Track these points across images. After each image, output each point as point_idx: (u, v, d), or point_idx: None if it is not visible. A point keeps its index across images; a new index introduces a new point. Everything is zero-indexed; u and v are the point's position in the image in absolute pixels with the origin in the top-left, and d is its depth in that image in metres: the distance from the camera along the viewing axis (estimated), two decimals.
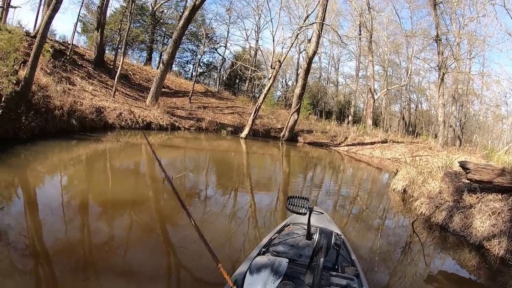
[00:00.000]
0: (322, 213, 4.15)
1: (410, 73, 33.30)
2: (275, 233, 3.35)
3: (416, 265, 5.32)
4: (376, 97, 32.16)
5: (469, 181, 7.64)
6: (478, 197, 7.39)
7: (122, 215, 5.52)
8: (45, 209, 5.21)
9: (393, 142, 23.78)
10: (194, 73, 34.19)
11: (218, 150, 15.51)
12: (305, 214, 3.08)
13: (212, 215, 6.19)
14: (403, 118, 44.69)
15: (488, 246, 6.14)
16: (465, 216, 6.98)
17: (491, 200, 7.12)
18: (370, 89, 31.87)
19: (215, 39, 38.12)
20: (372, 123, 31.03)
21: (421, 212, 8.09)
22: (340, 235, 3.48)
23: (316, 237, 2.27)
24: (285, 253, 2.75)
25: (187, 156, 12.73)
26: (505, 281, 4.95)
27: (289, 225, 3.60)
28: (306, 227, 3.12)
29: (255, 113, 21.45)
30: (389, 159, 20.93)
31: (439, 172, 9.62)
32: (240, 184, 9.22)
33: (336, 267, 2.52)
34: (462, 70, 31.34)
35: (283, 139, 23.24)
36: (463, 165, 7.71)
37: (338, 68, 46.74)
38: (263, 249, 2.88)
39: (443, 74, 25.47)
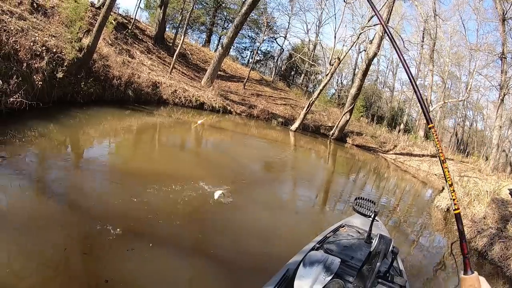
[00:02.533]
0: (378, 221, 4.20)
1: (470, 88, 31.96)
2: (330, 232, 3.44)
3: (446, 286, 5.41)
4: (431, 108, 31.31)
5: None
6: None
7: (163, 187, 5.70)
8: (89, 171, 5.68)
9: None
10: (251, 60, 34.49)
11: (266, 139, 15.72)
12: (370, 216, 3.19)
13: (253, 202, 6.43)
14: (456, 135, 43.21)
15: None
16: (506, 247, 6.96)
17: None
18: (426, 99, 30.98)
19: (275, 28, 38.06)
20: (424, 135, 30.25)
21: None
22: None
23: (375, 241, 2.32)
24: (338, 252, 2.84)
25: (234, 140, 13.01)
26: None
27: (344, 226, 3.67)
28: (360, 230, 3.30)
29: (308, 107, 21.54)
30: (435, 174, 20.47)
31: (486, 196, 9.47)
32: (286, 177, 9.38)
33: (388, 275, 2.54)
34: None
35: (332, 137, 23.10)
36: None
37: (396, 73, 45.44)
38: (317, 245, 2.97)
39: (504, 95, 24.31)
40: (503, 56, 23.96)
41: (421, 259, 6.33)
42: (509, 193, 7.75)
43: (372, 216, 3.18)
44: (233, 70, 29.14)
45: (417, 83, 30.76)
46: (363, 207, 3.31)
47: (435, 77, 37.06)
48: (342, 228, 3.59)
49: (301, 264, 2.28)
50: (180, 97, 16.50)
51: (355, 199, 3.36)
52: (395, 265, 3.02)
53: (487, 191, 9.81)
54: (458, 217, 1.57)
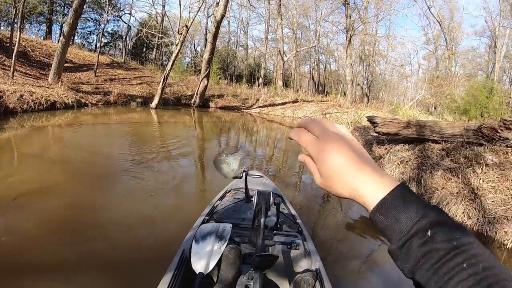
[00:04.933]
0: (262, 176, 4.26)
1: (319, 35, 34.10)
2: (217, 200, 3.37)
3: (335, 215, 5.60)
4: (285, 59, 32.66)
5: (377, 134, 8.02)
6: (386, 148, 7.83)
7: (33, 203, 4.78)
8: None
9: (304, 101, 24.51)
10: (98, 44, 31.78)
11: (129, 123, 14.74)
12: (241, 177, 3.09)
13: (138, 190, 5.82)
14: (313, 78, 46.20)
15: None
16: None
17: (398, 150, 7.59)
18: (279, 51, 32.15)
19: (119, 6, 35.45)
20: (283, 84, 31.62)
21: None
22: (280, 195, 3.53)
23: (254, 199, 2.24)
24: (228, 218, 2.83)
25: (97, 132, 11.90)
26: None
27: (230, 191, 3.66)
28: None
29: (163, 81, 20.57)
30: (300, 117, 21.41)
31: (348, 127, 9.98)
32: (160, 156, 8.77)
33: (278, 226, 2.57)
34: (369, 33, 32.83)
35: (194, 105, 22.62)
36: (371, 119, 8.08)
37: (247, 31, 46.33)
38: (207, 217, 2.86)
39: (351, 36, 26.59)
40: (346, 2, 26.33)
41: (308, 197, 6.46)
42: (368, 120, 8.19)
43: (243, 176, 3.06)
44: (81, 58, 26.51)
45: (269, 37, 31.71)
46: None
47: (285, 29, 38.60)
48: (229, 193, 3.60)
49: (193, 241, 2.16)
50: (28, 101, 14.19)
51: (215, 160, 3.17)
52: (285, 212, 3.13)
53: (348, 122, 10.40)
54: None
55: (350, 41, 26.70)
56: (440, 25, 34.71)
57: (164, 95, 21.26)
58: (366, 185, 0.55)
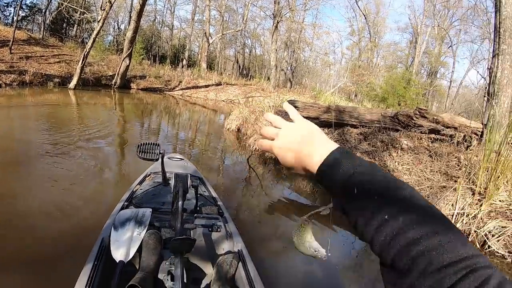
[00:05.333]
0: (182, 159, 4.16)
1: (246, 19, 34.08)
2: (137, 185, 3.28)
3: (257, 197, 5.53)
4: (211, 41, 32.31)
5: None
6: None
7: None
8: None
9: (227, 84, 24.47)
10: (15, 18, 29.05)
11: (47, 105, 13.62)
12: (157, 160, 2.93)
13: (57, 177, 5.33)
14: (237, 62, 46.14)
15: None
16: None
17: None
18: (205, 33, 31.66)
19: None
20: (207, 67, 31.11)
21: (255, 148, 8.37)
22: (200, 178, 3.55)
23: (172, 182, 2.23)
24: (148, 203, 2.78)
25: (12, 116, 10.79)
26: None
27: (149, 174, 3.56)
28: (168, 174, 3.07)
29: (83, 60, 19.15)
30: (223, 100, 21.47)
31: (270, 110, 10.04)
32: (80, 140, 8.14)
33: (198, 208, 2.60)
34: (296, 20, 33.33)
35: (115, 86, 21.31)
36: (292, 103, 8.13)
37: (174, 11, 44.98)
38: (126, 203, 2.77)
39: (278, 22, 26.94)
40: None
41: (231, 179, 6.41)
42: (289, 104, 8.28)
43: (160, 159, 2.91)
44: None
45: (195, 18, 31.22)
46: (147, 152, 2.97)
47: (213, 11, 38.05)
48: (148, 177, 3.49)
49: (112, 229, 2.06)
50: None
51: (137, 146, 2.97)
52: (206, 195, 3.12)
53: (270, 106, 10.47)
54: None
55: (276, 27, 27.03)
56: (366, 19, 36.53)
57: (84, 75, 19.84)
58: (317, 151, 0.69)
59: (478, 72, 47.57)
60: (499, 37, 6.27)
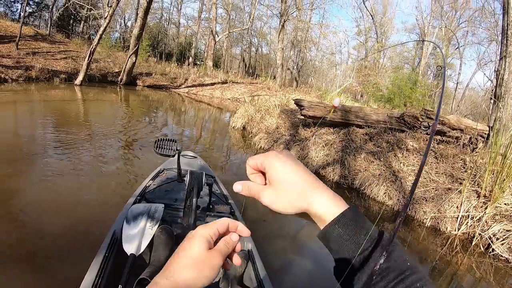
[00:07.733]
0: (196, 157, 4.27)
1: (253, 18, 33.96)
2: (150, 180, 3.28)
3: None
4: (217, 39, 32.21)
5: (303, 117, 8.12)
6: (312, 131, 7.94)
7: None
8: None
9: (233, 82, 24.42)
10: (22, 14, 29.18)
11: (53, 101, 13.67)
12: (173, 156, 3.01)
13: (66, 172, 5.35)
14: (244, 60, 46.10)
15: (324, 173, 6.81)
16: (301, 148, 7.59)
17: (324, 133, 7.75)
18: (211, 31, 31.57)
19: None
20: (213, 65, 31.05)
21: (260, 146, 8.39)
22: (213, 176, 3.59)
23: (187, 179, 2.26)
24: (160, 198, 2.77)
25: (18, 111, 10.82)
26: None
27: (163, 170, 3.56)
28: (181, 171, 3.13)
29: (89, 56, 19.23)
30: (229, 99, 21.44)
31: (276, 109, 10.06)
32: (87, 136, 8.16)
33: (211, 206, 2.59)
34: (302, 19, 33.30)
35: (121, 83, 21.39)
36: (297, 102, 8.16)
37: (180, 9, 45.00)
38: (139, 197, 2.79)
39: (284, 21, 26.87)
40: None
41: (237, 177, 6.30)
42: (295, 103, 8.27)
43: (176, 155, 3.00)
44: (2, 29, 24.11)
45: (202, 16, 31.18)
46: (164, 148, 3.00)
47: (220, 9, 38.02)
48: (162, 173, 3.48)
49: (124, 222, 2.10)
50: None
51: (155, 141, 3.01)
52: (218, 193, 3.13)
53: (276, 105, 10.48)
54: None
55: (283, 26, 26.98)
56: (373, 19, 36.29)
57: (90, 71, 19.91)
58: (321, 200, 0.59)
59: (485, 74, 47.54)
60: (506, 39, 6.24)
